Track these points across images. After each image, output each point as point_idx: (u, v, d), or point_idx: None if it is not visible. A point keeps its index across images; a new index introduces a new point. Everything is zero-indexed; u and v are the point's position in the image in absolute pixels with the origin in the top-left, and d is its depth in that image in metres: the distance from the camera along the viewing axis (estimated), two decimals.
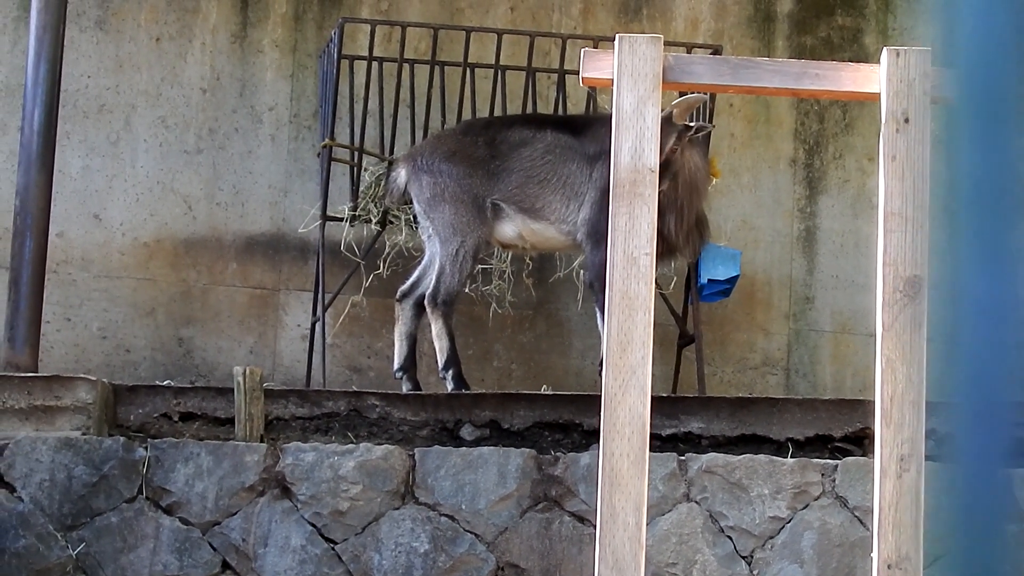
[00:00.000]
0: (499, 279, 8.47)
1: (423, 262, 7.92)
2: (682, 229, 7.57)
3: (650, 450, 3.79)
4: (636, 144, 3.82)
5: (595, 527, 3.84)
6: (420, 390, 7.68)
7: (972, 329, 1.88)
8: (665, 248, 7.46)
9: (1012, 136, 1.90)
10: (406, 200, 7.93)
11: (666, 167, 6.89)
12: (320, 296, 8.23)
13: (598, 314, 7.42)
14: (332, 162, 8.22)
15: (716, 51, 8.30)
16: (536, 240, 7.79)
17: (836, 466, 6.64)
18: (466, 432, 6.92)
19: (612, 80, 3.86)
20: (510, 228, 7.75)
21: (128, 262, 8.63)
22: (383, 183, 8.12)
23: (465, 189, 7.69)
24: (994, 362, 1.87)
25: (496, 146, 7.77)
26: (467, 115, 8.27)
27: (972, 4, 1.94)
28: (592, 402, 6.37)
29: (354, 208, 8.22)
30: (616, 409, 3.74)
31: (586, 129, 7.73)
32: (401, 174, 7.83)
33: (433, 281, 7.69)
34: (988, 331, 1.87)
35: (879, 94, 3.83)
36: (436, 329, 7.68)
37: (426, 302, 7.69)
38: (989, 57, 1.92)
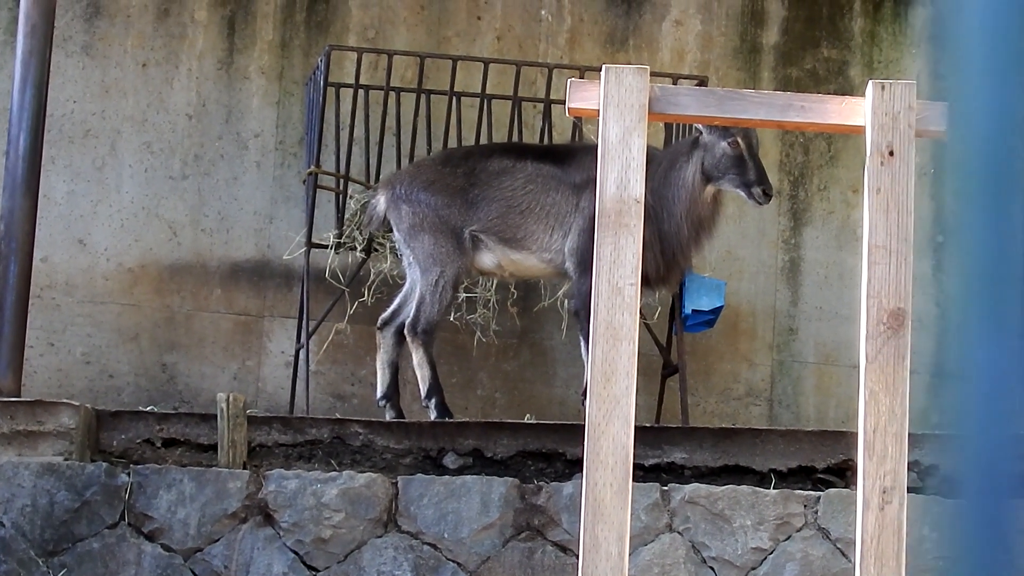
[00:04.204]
0: (484, 308, 8.47)
1: (404, 289, 7.92)
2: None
3: (633, 480, 3.79)
4: (622, 175, 3.82)
5: (577, 557, 3.83)
6: (403, 418, 7.66)
7: (976, 362, 1.86)
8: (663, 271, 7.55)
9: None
10: (386, 228, 7.94)
11: None
12: (304, 323, 8.22)
13: (582, 343, 7.42)
14: (317, 189, 8.22)
15: (702, 82, 8.32)
16: (515, 269, 7.80)
17: (819, 497, 6.64)
18: (449, 460, 6.91)
19: (598, 110, 3.86)
20: (489, 258, 7.75)
21: (112, 287, 8.61)
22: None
23: (444, 219, 7.69)
24: (998, 396, 1.85)
25: (475, 176, 7.77)
26: (453, 143, 8.28)
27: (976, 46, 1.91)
28: (576, 431, 6.37)
29: (339, 235, 8.22)
30: (599, 439, 3.74)
31: (570, 158, 7.74)
32: (380, 201, 7.82)
33: (413, 310, 7.68)
34: (992, 365, 1.86)
35: (864, 127, 3.84)
36: (417, 358, 7.67)
37: (406, 331, 7.67)
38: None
